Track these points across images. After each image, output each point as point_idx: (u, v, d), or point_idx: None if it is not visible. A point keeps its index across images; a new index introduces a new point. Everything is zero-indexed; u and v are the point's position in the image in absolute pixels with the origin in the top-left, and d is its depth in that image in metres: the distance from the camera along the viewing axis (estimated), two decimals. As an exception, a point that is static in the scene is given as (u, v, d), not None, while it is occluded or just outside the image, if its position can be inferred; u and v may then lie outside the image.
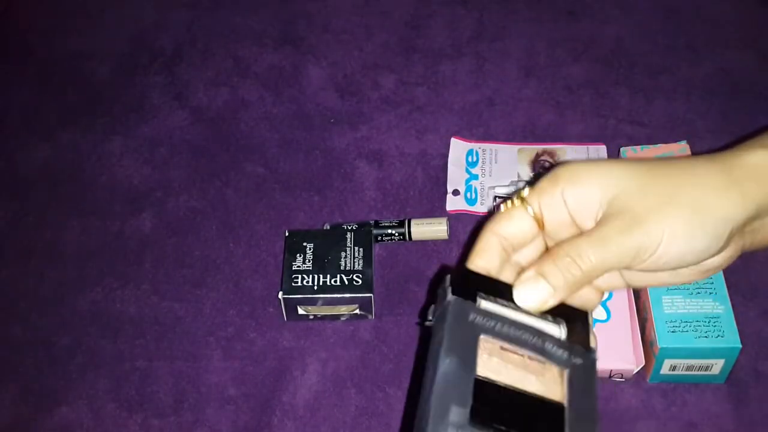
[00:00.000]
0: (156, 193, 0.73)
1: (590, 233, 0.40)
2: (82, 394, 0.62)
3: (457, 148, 0.74)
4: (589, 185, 0.41)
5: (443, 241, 0.68)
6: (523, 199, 0.42)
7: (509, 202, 0.43)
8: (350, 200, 0.72)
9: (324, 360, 0.63)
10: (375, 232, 0.68)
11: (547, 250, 0.43)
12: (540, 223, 0.42)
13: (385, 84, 0.79)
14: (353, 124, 0.77)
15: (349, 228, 0.68)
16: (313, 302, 0.63)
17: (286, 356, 0.63)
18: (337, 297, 0.62)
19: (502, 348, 0.38)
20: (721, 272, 0.58)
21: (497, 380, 0.36)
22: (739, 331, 0.56)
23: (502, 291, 0.40)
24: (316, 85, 0.80)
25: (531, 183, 0.46)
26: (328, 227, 0.69)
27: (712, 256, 0.40)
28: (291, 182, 0.73)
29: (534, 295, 0.40)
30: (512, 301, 0.40)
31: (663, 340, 0.56)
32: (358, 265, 0.64)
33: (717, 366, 0.57)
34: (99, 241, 0.70)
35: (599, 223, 0.40)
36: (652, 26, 0.82)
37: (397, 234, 0.68)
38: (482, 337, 0.37)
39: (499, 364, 0.37)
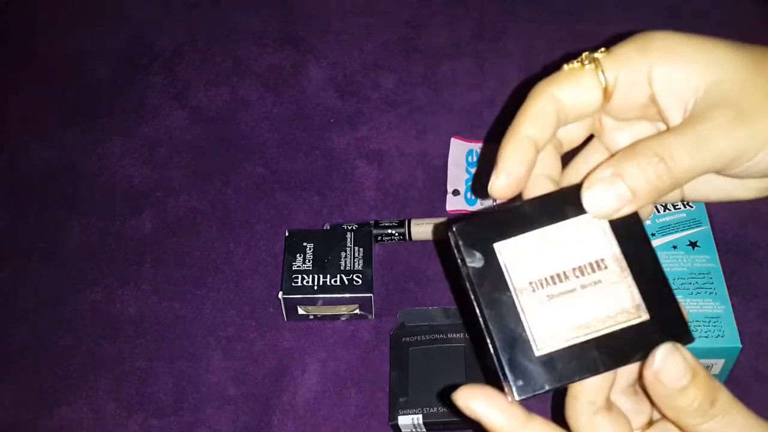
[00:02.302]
0: (156, 193, 0.73)
1: (683, 129, 0.33)
2: (82, 394, 0.62)
3: (457, 148, 0.74)
4: (688, 64, 0.34)
5: (443, 241, 0.68)
6: (597, 62, 0.35)
7: (575, 62, 0.36)
8: (350, 200, 0.72)
9: (324, 360, 0.63)
10: (375, 232, 0.68)
11: (590, 138, 0.37)
12: (607, 98, 0.35)
13: (385, 84, 0.79)
14: (353, 124, 0.77)
15: (349, 228, 0.68)
16: (313, 302, 0.63)
17: (286, 356, 0.63)
18: (337, 297, 0.62)
19: (542, 282, 0.35)
20: (721, 272, 0.58)
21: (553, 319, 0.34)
22: (739, 331, 0.56)
23: (516, 218, 0.35)
24: (316, 85, 0.80)
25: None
26: (328, 227, 0.69)
27: None
28: (291, 182, 0.73)
29: (608, 199, 0.33)
30: (529, 223, 0.35)
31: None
32: (358, 265, 0.64)
33: (717, 366, 0.57)
34: (99, 241, 0.70)
35: (694, 117, 0.33)
36: (652, 26, 0.82)
37: (397, 234, 0.68)
38: (514, 278, 0.34)
39: (546, 299, 0.34)
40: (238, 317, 0.66)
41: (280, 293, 0.62)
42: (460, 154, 0.73)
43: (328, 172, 0.74)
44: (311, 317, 0.64)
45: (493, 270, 0.35)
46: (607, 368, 0.34)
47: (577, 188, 0.35)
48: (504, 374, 0.34)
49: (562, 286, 0.34)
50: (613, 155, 0.34)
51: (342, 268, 0.64)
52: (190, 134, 0.77)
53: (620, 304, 0.34)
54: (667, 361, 0.32)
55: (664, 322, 0.34)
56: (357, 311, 0.64)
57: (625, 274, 0.34)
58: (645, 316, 0.34)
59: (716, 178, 0.36)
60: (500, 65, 0.80)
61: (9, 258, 0.70)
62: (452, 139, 0.74)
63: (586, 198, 0.34)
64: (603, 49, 0.36)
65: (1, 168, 0.76)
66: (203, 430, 0.60)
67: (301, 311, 0.64)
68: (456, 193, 0.71)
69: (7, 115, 0.80)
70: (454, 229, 0.35)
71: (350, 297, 0.63)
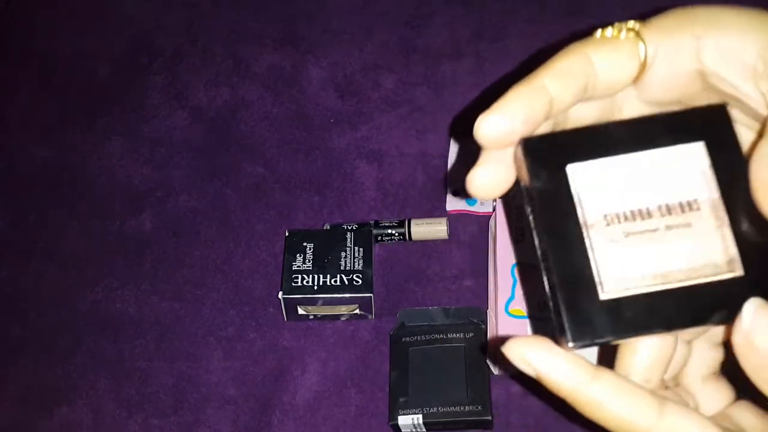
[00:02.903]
0: (156, 193, 0.73)
1: None
2: (82, 394, 0.62)
3: (457, 148, 0.74)
4: (741, 33, 0.30)
5: (443, 241, 0.68)
6: (637, 33, 0.31)
7: (612, 29, 0.32)
8: (350, 200, 0.72)
9: (324, 360, 0.63)
10: (375, 232, 0.68)
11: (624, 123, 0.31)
12: (643, 73, 0.31)
13: (385, 84, 0.79)
14: (353, 124, 0.77)
15: (349, 228, 0.68)
16: (313, 302, 0.63)
17: (286, 356, 0.63)
18: (337, 297, 0.62)
19: (623, 217, 0.30)
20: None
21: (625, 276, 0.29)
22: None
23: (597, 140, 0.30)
24: (316, 85, 0.80)
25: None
26: (328, 227, 0.69)
27: None
28: (291, 182, 0.73)
29: None
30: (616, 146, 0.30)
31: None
32: (358, 265, 0.64)
33: (717, 366, 0.57)
34: (99, 241, 0.70)
35: None
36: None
37: (397, 234, 0.68)
38: (587, 208, 0.30)
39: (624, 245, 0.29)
40: (238, 317, 0.66)
41: (280, 293, 0.62)
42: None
43: (328, 172, 0.74)
44: (311, 317, 0.64)
45: (562, 195, 0.30)
46: (685, 325, 0.29)
47: (676, 115, 0.30)
48: (559, 316, 0.29)
49: (643, 224, 0.30)
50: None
51: (342, 268, 0.64)
52: (190, 134, 0.77)
53: (710, 255, 0.29)
54: (760, 320, 0.27)
55: (761, 281, 0.29)
56: (357, 311, 0.64)
57: (721, 222, 0.29)
58: (738, 272, 0.29)
59: None
60: (500, 65, 0.80)
61: (9, 258, 0.70)
62: (452, 139, 0.74)
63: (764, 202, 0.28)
64: (636, 21, 0.32)
65: (1, 168, 0.76)
66: (203, 430, 0.60)
67: (301, 311, 0.64)
68: (456, 193, 0.71)
69: (7, 115, 0.80)
70: (523, 143, 0.30)
71: (350, 297, 0.63)
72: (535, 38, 0.82)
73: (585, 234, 0.29)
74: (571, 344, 0.29)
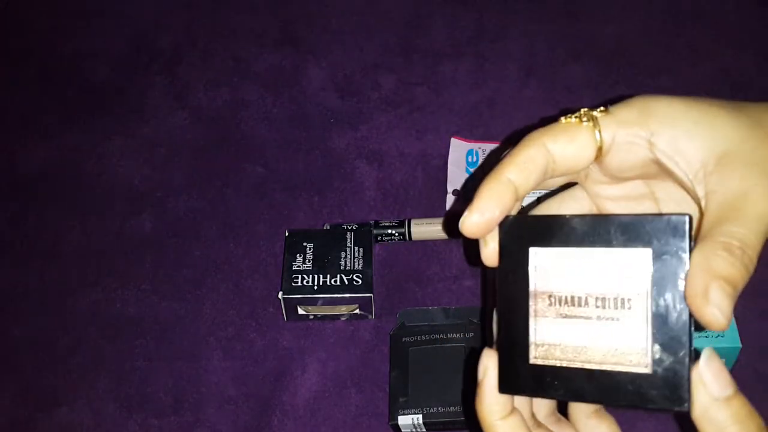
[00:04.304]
0: (156, 193, 0.73)
1: (740, 213, 0.32)
2: (82, 394, 0.62)
3: (457, 148, 0.74)
4: (692, 134, 0.34)
5: (443, 241, 0.68)
6: (594, 120, 0.35)
7: (572, 116, 0.36)
8: (350, 200, 0.72)
9: (324, 360, 0.63)
10: (375, 232, 0.68)
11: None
12: (601, 157, 0.35)
13: (385, 84, 0.79)
14: (353, 124, 0.77)
15: (349, 228, 0.68)
16: (313, 302, 0.63)
17: (286, 356, 0.63)
18: (337, 297, 0.62)
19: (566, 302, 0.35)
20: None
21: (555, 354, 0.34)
22: (739, 331, 0.56)
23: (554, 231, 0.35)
24: (316, 85, 0.80)
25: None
26: (328, 227, 0.69)
27: None
28: (291, 182, 0.73)
29: (728, 308, 0.31)
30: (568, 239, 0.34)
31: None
32: (358, 265, 0.64)
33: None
34: (99, 241, 0.70)
35: (728, 200, 0.33)
36: (652, 26, 0.82)
37: (397, 234, 0.68)
38: (538, 285, 0.35)
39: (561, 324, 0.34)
40: (238, 317, 0.66)
41: (280, 293, 0.62)
42: (460, 154, 0.73)
43: (328, 172, 0.74)
44: (311, 317, 0.64)
45: (521, 270, 0.35)
46: (592, 401, 0.34)
47: (635, 218, 0.33)
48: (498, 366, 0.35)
49: (579, 310, 0.34)
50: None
51: (342, 268, 0.64)
52: (190, 134, 0.77)
53: (628, 349, 0.33)
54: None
55: (664, 383, 0.32)
56: (357, 311, 0.64)
57: (647, 323, 0.33)
58: (647, 370, 0.33)
59: None
60: (500, 65, 0.80)
61: (9, 258, 0.70)
62: (452, 139, 0.74)
63: (712, 314, 0.31)
64: (602, 108, 0.36)
65: (1, 168, 0.76)
66: (203, 430, 0.60)
67: (301, 311, 0.64)
68: (456, 193, 0.71)
69: (7, 115, 0.80)
70: (503, 222, 0.36)
71: (350, 297, 0.63)
72: (535, 38, 0.82)
73: (531, 306, 0.35)
74: (498, 392, 0.35)
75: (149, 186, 0.74)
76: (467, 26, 0.84)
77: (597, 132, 0.35)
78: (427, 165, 0.73)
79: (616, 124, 0.35)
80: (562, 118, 0.36)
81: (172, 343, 0.64)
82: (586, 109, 0.36)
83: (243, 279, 0.68)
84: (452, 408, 0.57)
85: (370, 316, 0.65)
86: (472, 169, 0.72)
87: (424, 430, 0.58)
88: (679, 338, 0.32)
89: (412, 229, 0.68)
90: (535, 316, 0.35)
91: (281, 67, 0.81)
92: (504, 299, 0.35)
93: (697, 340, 0.56)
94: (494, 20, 0.84)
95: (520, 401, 0.37)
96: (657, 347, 0.33)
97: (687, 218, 0.33)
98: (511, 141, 0.74)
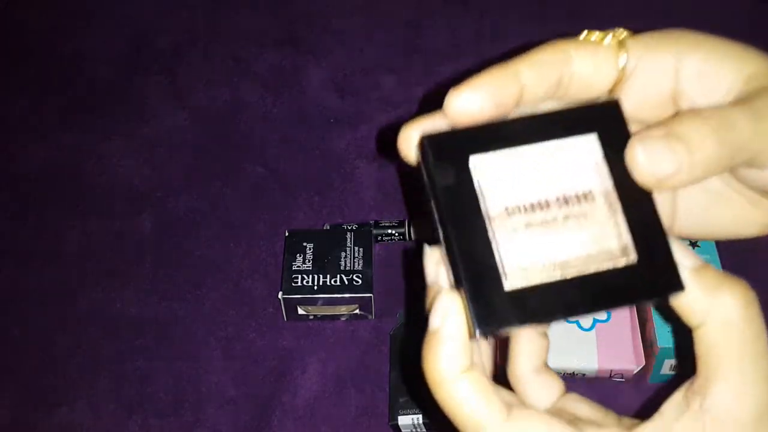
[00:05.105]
0: (156, 193, 0.73)
1: (739, 104, 0.29)
2: (82, 394, 0.62)
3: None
4: (724, 59, 0.30)
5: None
6: (621, 43, 0.31)
7: (595, 34, 0.32)
8: (350, 200, 0.72)
9: (324, 360, 0.63)
10: (375, 232, 0.68)
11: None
12: (620, 83, 0.31)
13: (385, 84, 0.79)
14: (353, 124, 0.77)
15: (349, 228, 0.68)
16: (313, 302, 0.63)
17: (286, 356, 0.63)
18: (337, 297, 0.62)
19: (521, 209, 0.30)
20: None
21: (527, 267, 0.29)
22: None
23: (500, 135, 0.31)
24: (316, 85, 0.80)
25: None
26: (328, 227, 0.69)
27: None
28: (291, 182, 0.73)
29: (664, 161, 0.28)
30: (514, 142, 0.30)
31: (663, 340, 0.56)
32: (358, 265, 0.64)
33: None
34: (99, 241, 0.70)
35: (744, 99, 0.29)
36: (652, 26, 0.82)
37: (397, 234, 0.68)
38: (489, 200, 0.30)
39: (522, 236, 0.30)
40: (238, 317, 0.65)
41: (280, 293, 0.62)
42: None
43: (328, 172, 0.74)
44: (311, 317, 0.64)
45: (465, 189, 0.30)
46: (584, 312, 0.30)
47: (573, 110, 0.31)
48: (467, 307, 0.29)
49: (542, 215, 0.30)
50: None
51: (342, 268, 0.64)
52: (190, 134, 0.77)
53: (605, 243, 0.30)
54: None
55: (653, 267, 0.30)
56: (357, 311, 0.64)
57: (614, 211, 0.30)
58: (632, 259, 0.30)
59: (724, 209, 0.33)
60: (500, 65, 0.80)
61: (9, 258, 0.70)
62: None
63: (638, 153, 0.28)
64: (623, 30, 0.32)
65: (1, 168, 0.76)
66: (203, 430, 0.60)
67: (301, 311, 0.64)
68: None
69: (7, 115, 0.80)
70: (426, 138, 0.31)
71: (350, 297, 0.63)
72: (535, 38, 0.82)
73: (488, 226, 0.30)
74: (478, 332, 0.29)
75: (149, 186, 0.74)
76: (467, 26, 0.84)
77: (623, 53, 0.31)
78: (427, 165, 0.73)
79: (642, 47, 0.31)
80: (584, 32, 0.32)
81: (172, 343, 0.64)
82: (614, 30, 0.32)
83: (243, 279, 0.68)
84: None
85: (369, 316, 0.65)
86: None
87: (424, 430, 0.58)
88: (651, 221, 0.30)
89: (412, 229, 0.68)
90: (495, 235, 0.30)
91: (281, 67, 0.81)
92: (451, 226, 0.30)
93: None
94: (494, 20, 0.84)
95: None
96: (634, 234, 0.30)
97: (617, 100, 0.31)
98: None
